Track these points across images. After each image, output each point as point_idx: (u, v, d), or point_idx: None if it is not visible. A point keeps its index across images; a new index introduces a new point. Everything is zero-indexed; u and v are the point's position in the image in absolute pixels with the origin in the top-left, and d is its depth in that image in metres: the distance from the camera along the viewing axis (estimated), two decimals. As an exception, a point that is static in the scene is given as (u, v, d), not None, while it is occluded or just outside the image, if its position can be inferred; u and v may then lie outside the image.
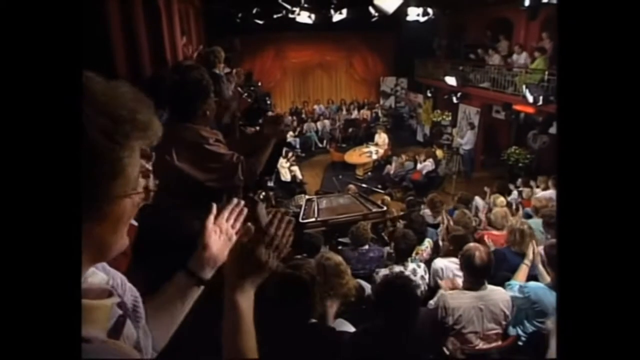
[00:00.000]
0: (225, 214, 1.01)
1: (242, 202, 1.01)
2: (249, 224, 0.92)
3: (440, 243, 4.27)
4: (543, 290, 2.56)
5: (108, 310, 0.66)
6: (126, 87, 0.62)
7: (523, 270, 2.95)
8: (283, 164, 10.18)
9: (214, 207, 0.99)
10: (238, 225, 1.01)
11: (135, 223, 1.22)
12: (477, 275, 2.60)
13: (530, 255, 3.05)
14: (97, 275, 0.71)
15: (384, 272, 3.30)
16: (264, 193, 6.25)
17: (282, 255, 0.90)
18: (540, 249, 3.07)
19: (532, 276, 3.03)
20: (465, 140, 11.15)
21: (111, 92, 0.59)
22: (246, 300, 0.84)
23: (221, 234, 0.98)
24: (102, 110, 0.56)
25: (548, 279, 2.80)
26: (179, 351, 0.99)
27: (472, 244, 2.78)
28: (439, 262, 3.46)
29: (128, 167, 0.59)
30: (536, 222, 4.49)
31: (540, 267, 2.95)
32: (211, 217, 0.98)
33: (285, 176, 10.05)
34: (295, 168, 10.75)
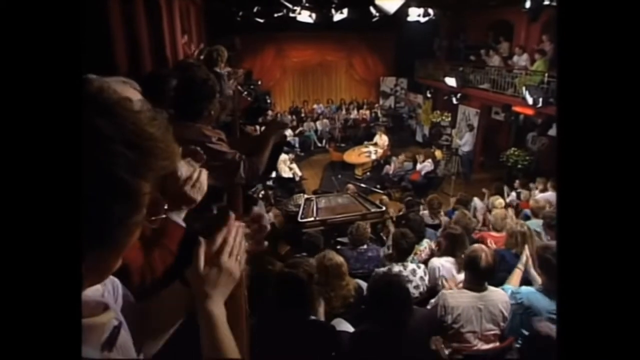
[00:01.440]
0: (219, 240, 0.94)
1: (242, 225, 0.96)
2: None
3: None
4: (534, 295, 2.57)
5: (103, 327, 0.65)
6: (150, 110, 0.56)
7: (517, 274, 2.96)
8: (286, 161, 10.18)
9: (202, 245, 0.90)
10: (243, 241, 0.96)
11: (183, 224, 1.25)
12: (480, 277, 2.60)
13: (524, 259, 3.06)
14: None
15: (382, 271, 3.31)
16: (263, 192, 6.24)
17: (243, 264, 0.90)
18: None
19: (526, 279, 3.03)
20: (464, 141, 11.17)
21: (138, 121, 0.53)
22: (219, 308, 0.84)
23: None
24: (128, 142, 0.51)
25: (539, 281, 2.81)
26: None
27: (477, 245, 2.77)
28: (436, 261, 3.47)
29: (147, 198, 0.56)
30: (533, 223, 4.51)
31: (532, 270, 2.96)
32: (202, 246, 0.89)
33: (286, 172, 10.06)
34: (294, 166, 10.76)
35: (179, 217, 1.25)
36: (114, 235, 0.54)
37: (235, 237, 0.89)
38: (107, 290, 0.75)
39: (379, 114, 15.15)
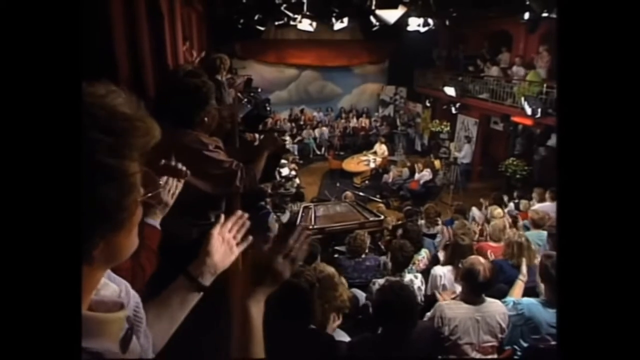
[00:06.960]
0: (229, 224, 1.04)
1: (246, 215, 1.05)
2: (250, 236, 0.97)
3: (439, 253, 4.26)
4: (536, 306, 2.54)
5: (121, 323, 0.66)
6: (115, 91, 0.57)
7: (519, 286, 2.93)
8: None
9: (222, 217, 1.03)
10: (239, 236, 1.04)
11: (158, 227, 1.34)
12: (477, 290, 2.57)
13: (524, 270, 3.03)
14: (108, 287, 0.70)
15: (381, 282, 3.29)
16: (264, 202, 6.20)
17: (295, 267, 0.94)
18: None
19: (531, 289, 3.01)
20: (463, 154, 11.21)
21: (108, 104, 0.54)
22: (257, 308, 0.87)
23: (223, 243, 1.02)
24: (104, 127, 0.52)
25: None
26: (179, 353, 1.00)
27: (475, 257, 2.73)
28: (439, 270, 3.45)
29: (137, 176, 0.58)
30: (533, 234, 4.49)
31: (540, 282, 2.93)
32: (217, 227, 1.01)
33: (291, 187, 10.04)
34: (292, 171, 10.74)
35: (154, 221, 1.34)
36: (115, 218, 0.55)
37: (297, 241, 0.93)
38: (122, 291, 0.76)
39: (399, 122, 14.96)
